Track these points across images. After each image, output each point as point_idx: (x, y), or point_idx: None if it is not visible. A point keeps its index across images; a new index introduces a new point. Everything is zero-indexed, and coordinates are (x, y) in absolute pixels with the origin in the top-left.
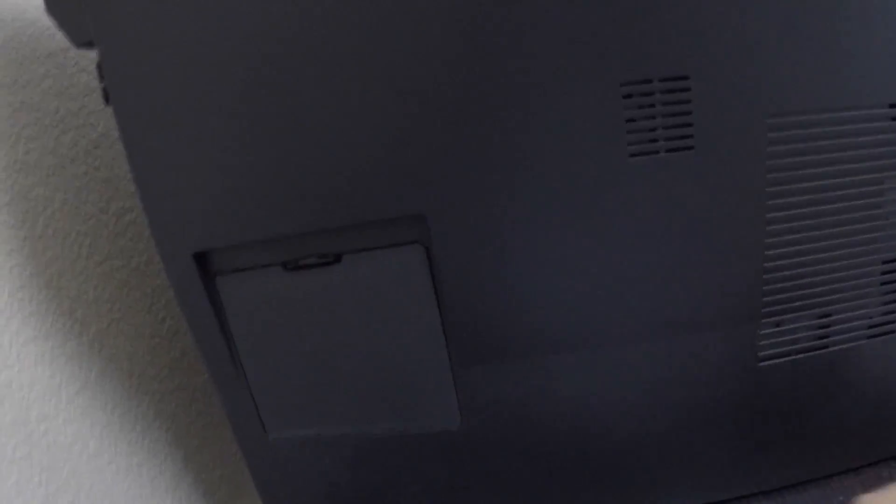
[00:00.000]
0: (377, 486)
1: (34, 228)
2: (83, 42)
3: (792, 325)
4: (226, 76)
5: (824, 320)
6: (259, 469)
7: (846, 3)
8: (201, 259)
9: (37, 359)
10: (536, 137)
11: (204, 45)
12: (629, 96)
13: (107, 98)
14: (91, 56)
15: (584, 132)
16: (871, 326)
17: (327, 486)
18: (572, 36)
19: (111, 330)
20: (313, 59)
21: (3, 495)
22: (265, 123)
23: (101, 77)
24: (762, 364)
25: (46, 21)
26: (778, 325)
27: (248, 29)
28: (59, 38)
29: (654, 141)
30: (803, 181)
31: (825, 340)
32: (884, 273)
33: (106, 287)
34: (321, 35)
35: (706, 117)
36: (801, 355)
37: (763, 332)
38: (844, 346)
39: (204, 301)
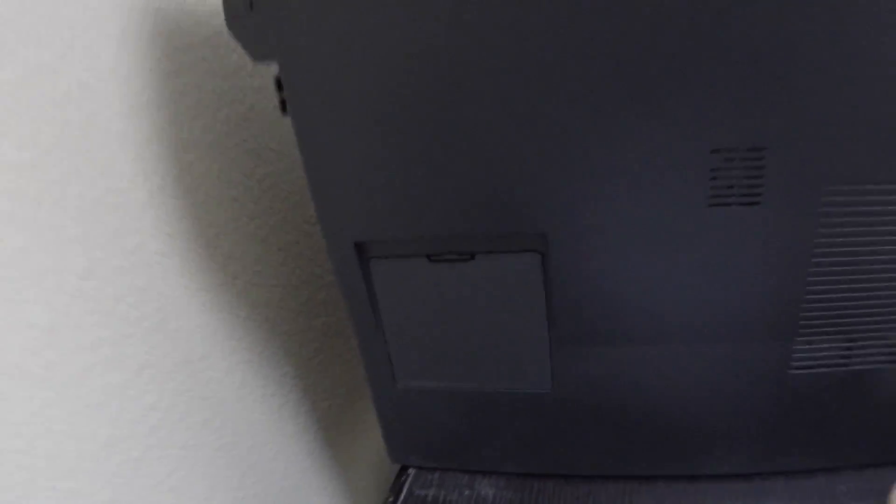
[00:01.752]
0: (479, 433)
1: (196, 196)
2: (262, 58)
3: (821, 346)
4: (389, 100)
5: (848, 344)
6: (384, 409)
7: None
8: (360, 246)
9: (199, 308)
10: (642, 182)
11: (374, 66)
12: (717, 159)
13: (283, 108)
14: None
15: (678, 181)
16: (890, 353)
17: (438, 428)
18: (681, 111)
19: (254, 281)
20: (468, 97)
21: (173, 421)
22: (423, 143)
23: (279, 89)
24: (792, 371)
25: (199, 8)
26: (809, 343)
27: (412, 55)
28: (208, 25)
29: (730, 196)
30: (846, 237)
31: (847, 360)
32: None
33: (250, 244)
34: (478, 73)
35: (774, 180)
36: (825, 369)
37: (797, 347)
38: (864, 366)
39: (359, 279)
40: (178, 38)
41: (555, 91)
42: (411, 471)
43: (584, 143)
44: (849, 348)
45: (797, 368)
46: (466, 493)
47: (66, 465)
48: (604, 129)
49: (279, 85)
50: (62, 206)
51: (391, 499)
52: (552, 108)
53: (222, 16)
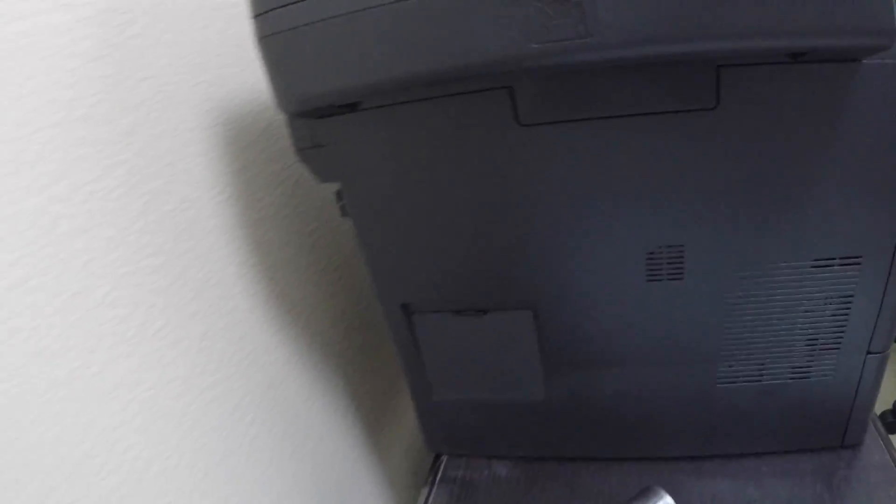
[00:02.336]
0: (494, 428)
1: (270, 260)
2: (326, 180)
3: (739, 367)
4: (426, 214)
5: (759, 366)
6: (424, 412)
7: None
8: (405, 306)
9: (276, 345)
10: (602, 267)
11: (414, 190)
12: (651, 253)
13: (344, 212)
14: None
15: (626, 266)
16: (792, 372)
17: (464, 425)
18: (625, 228)
19: (312, 316)
20: (489, 220)
21: (265, 433)
22: (451, 240)
23: (339, 199)
24: (719, 385)
25: (251, 107)
26: (730, 366)
27: (443, 190)
28: (262, 119)
29: (660, 274)
30: (751, 294)
31: (760, 377)
32: (807, 343)
33: (308, 287)
34: (500, 208)
35: (693, 264)
36: (743, 384)
37: (720, 368)
38: (773, 381)
39: (405, 327)
40: (244, 137)
41: (547, 221)
42: (444, 457)
43: (565, 247)
44: (760, 369)
45: (722, 383)
46: (486, 473)
47: (202, 469)
48: (577, 241)
49: (339, 196)
50: (188, 288)
51: (430, 478)
52: (543, 230)
53: (270, 111)
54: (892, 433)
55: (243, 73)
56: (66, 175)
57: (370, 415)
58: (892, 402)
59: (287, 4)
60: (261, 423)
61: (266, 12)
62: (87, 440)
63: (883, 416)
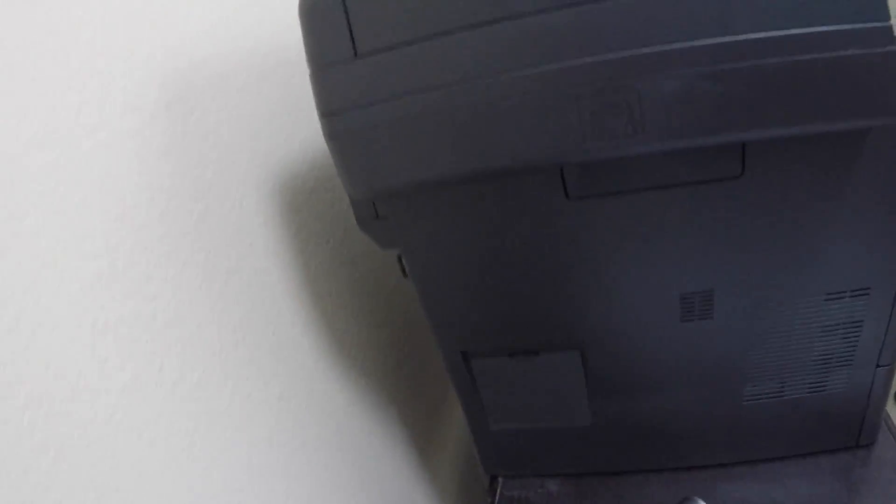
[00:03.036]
0: (545, 450)
1: (323, 303)
2: (387, 247)
3: (762, 387)
4: (477, 273)
5: (781, 384)
6: (481, 439)
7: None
8: (464, 353)
9: (322, 377)
10: (642, 311)
11: (466, 253)
12: (684, 297)
13: (405, 273)
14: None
15: (662, 308)
16: (810, 387)
17: (517, 448)
18: (662, 276)
19: (361, 346)
20: (539, 276)
21: (326, 455)
22: (501, 294)
23: (401, 261)
24: (745, 403)
25: (300, 168)
26: (754, 386)
27: (489, 254)
28: (311, 179)
29: (692, 314)
30: (771, 333)
31: (781, 393)
32: (822, 363)
33: (355, 323)
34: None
35: (721, 305)
36: (766, 400)
37: (746, 389)
38: (793, 396)
39: (465, 372)
40: (298, 199)
41: (592, 275)
42: (500, 479)
43: (607, 295)
44: (781, 386)
45: (747, 401)
46: (540, 490)
47: (266, 474)
48: (618, 290)
49: (400, 260)
50: (265, 354)
51: (489, 500)
52: (588, 281)
53: (316, 169)
54: None
55: (294, 134)
56: (154, 274)
57: (420, 439)
58: None
59: (356, 107)
60: (332, 467)
61: (334, 114)
62: None
63: None
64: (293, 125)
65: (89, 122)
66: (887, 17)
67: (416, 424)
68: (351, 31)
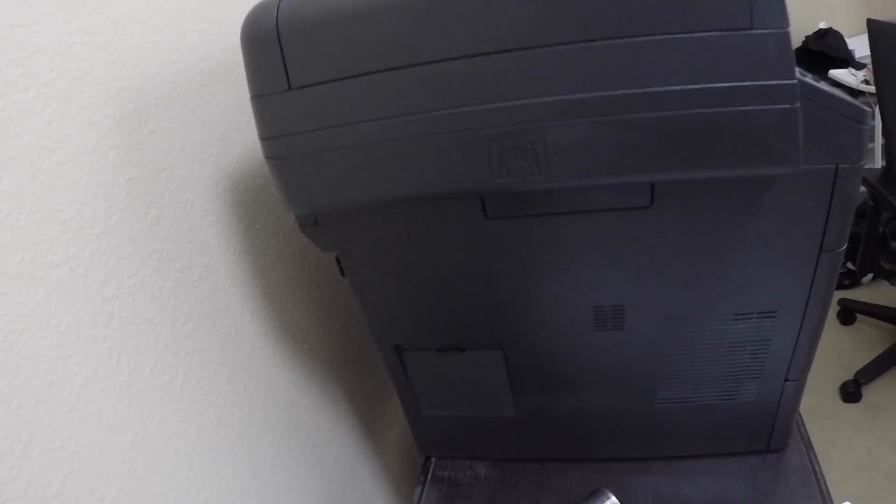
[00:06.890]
0: (474, 435)
1: (285, 311)
2: (326, 250)
3: (675, 392)
4: (411, 276)
5: (693, 391)
6: (415, 423)
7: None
8: (397, 346)
9: (285, 376)
10: (557, 320)
11: (398, 257)
12: (597, 309)
13: (342, 272)
14: None
15: (577, 318)
16: (720, 395)
17: (449, 433)
18: (576, 289)
19: (318, 346)
20: (468, 281)
21: (284, 450)
22: (432, 294)
23: (339, 262)
24: (658, 405)
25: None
26: (667, 390)
27: (425, 256)
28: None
29: (605, 325)
30: (682, 346)
31: (693, 399)
32: (731, 376)
33: (318, 324)
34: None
35: (632, 319)
36: (678, 404)
37: (659, 392)
38: (704, 402)
39: (398, 363)
40: (248, 195)
41: (512, 285)
42: (433, 459)
43: (527, 303)
44: (693, 393)
45: (660, 403)
46: (468, 472)
47: (238, 488)
48: (536, 299)
49: (338, 260)
50: (214, 342)
51: (422, 478)
52: (510, 290)
53: (265, 168)
54: (851, 402)
55: (242, 136)
56: (110, 277)
57: (365, 417)
58: (852, 373)
59: (293, 134)
60: (279, 443)
61: (272, 138)
62: (154, 486)
63: (844, 386)
64: (245, 125)
65: (48, 145)
66: (793, 76)
67: (362, 404)
68: (285, 66)
